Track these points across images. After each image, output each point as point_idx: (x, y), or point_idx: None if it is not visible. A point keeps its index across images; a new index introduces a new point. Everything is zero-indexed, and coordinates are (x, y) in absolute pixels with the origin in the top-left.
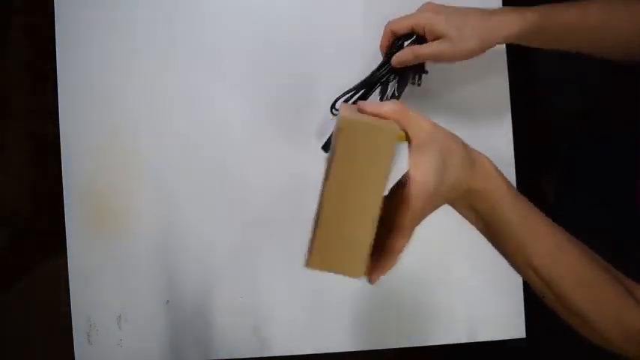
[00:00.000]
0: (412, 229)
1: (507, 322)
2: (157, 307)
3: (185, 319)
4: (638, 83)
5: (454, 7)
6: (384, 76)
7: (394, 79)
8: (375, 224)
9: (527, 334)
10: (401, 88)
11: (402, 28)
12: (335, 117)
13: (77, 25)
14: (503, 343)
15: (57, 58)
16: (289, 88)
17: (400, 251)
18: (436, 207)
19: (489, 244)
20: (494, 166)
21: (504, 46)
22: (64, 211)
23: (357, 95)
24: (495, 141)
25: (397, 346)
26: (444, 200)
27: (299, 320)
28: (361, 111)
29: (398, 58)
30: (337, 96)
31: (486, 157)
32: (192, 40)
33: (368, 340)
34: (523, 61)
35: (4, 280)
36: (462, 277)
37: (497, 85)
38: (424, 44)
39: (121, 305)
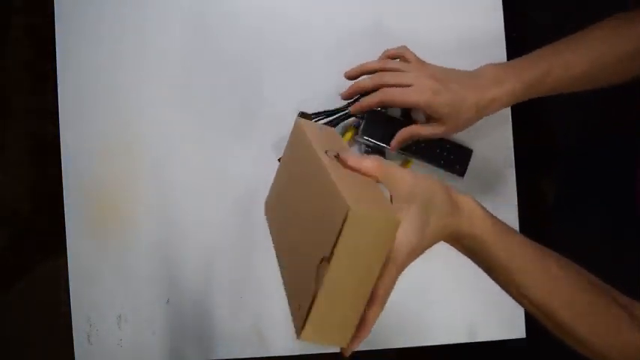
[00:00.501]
0: (388, 295)
1: (507, 322)
2: (157, 307)
3: (185, 319)
4: (637, 84)
5: (451, 77)
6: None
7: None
8: (366, 300)
9: (527, 334)
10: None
11: (398, 104)
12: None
13: (77, 25)
14: (503, 343)
15: (57, 58)
16: (288, 87)
17: (375, 320)
18: (416, 258)
19: None
20: (478, 204)
21: (504, 47)
22: (64, 211)
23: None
24: (496, 141)
25: (398, 346)
26: (424, 251)
27: None
28: (342, 163)
29: (399, 142)
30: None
31: (470, 197)
32: (192, 40)
33: (368, 340)
34: None
35: (4, 280)
36: (462, 277)
37: None
38: (424, 126)
39: (121, 305)
